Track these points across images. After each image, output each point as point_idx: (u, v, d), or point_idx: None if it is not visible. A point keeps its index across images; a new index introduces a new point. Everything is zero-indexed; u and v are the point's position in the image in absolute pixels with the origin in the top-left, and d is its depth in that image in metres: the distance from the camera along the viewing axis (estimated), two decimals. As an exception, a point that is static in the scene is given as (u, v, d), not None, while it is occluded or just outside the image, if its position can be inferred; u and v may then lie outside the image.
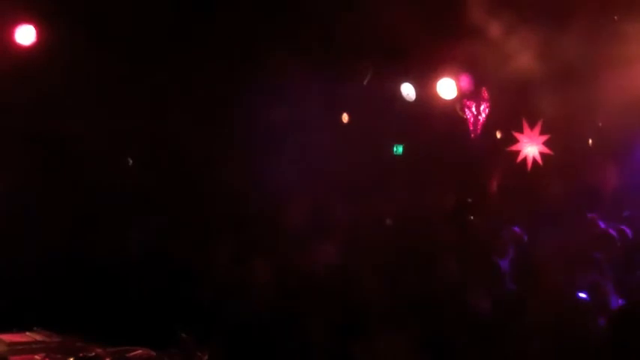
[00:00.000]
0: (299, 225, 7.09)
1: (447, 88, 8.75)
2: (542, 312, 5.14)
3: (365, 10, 7.26)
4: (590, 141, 9.97)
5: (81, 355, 3.12)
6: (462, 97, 9.10)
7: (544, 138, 9.20)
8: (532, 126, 9.18)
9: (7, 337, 3.41)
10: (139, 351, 3.23)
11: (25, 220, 6.51)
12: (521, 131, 9.24)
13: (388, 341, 5.85)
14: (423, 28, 6.96)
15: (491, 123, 9.42)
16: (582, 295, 5.05)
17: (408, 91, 9.00)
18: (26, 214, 6.62)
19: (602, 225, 6.64)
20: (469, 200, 8.91)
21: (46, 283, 6.20)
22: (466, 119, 9.39)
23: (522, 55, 7.27)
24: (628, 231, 6.54)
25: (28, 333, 3.59)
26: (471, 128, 9.37)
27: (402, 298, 6.21)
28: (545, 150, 9.20)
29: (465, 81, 8.78)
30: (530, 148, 9.23)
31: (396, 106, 9.07)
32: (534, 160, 9.22)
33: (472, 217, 8.30)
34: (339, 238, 7.00)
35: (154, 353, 3.21)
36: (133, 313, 5.84)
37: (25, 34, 6.77)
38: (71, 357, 3.10)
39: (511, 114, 9.36)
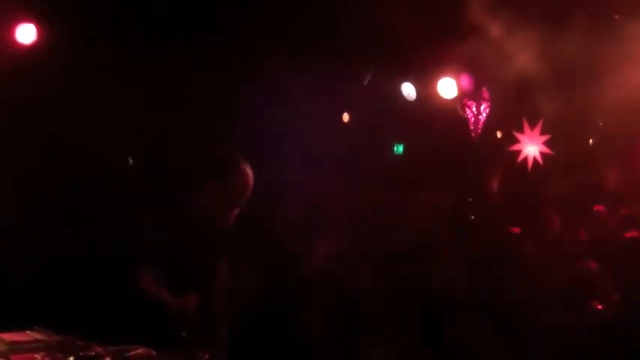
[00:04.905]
0: (298, 224, 7.09)
1: (447, 87, 8.75)
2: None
3: (365, 10, 7.26)
4: (591, 140, 9.98)
5: (81, 354, 3.12)
6: (463, 96, 9.11)
7: (545, 138, 9.21)
8: (532, 126, 9.19)
9: (7, 336, 3.40)
10: (140, 350, 3.22)
11: (25, 220, 6.50)
12: (521, 131, 9.25)
13: (387, 340, 5.86)
14: (423, 28, 6.96)
15: (491, 123, 9.43)
16: None
17: (408, 90, 9.00)
18: (26, 213, 6.61)
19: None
20: (469, 200, 8.91)
21: (46, 283, 6.20)
22: (467, 119, 9.39)
23: (522, 55, 7.27)
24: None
25: (28, 332, 3.59)
26: (472, 128, 9.38)
27: (403, 298, 6.22)
28: (546, 150, 9.20)
29: (466, 80, 8.79)
30: (531, 147, 9.24)
31: (397, 105, 9.06)
32: (535, 160, 9.24)
33: (472, 217, 8.31)
34: (338, 237, 7.00)
35: (154, 353, 3.20)
36: (133, 313, 5.83)
37: (26, 33, 6.75)
38: (71, 356, 3.10)
39: (511, 114, 9.37)
